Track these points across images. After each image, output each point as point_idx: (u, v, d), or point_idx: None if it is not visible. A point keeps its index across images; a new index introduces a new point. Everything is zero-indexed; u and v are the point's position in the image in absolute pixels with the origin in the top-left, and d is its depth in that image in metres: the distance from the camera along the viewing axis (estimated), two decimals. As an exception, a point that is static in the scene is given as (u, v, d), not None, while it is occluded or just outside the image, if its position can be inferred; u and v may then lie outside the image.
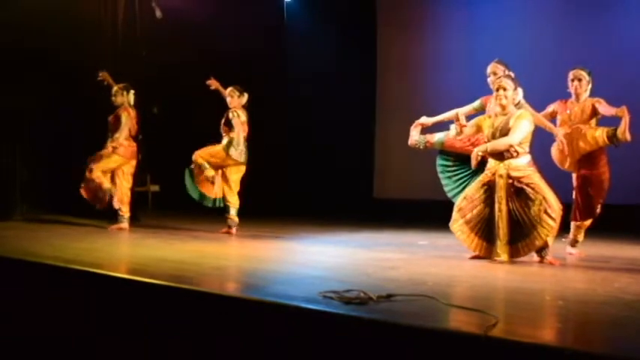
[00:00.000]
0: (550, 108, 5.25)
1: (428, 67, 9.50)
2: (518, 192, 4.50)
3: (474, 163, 4.57)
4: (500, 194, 4.53)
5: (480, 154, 4.57)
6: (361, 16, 9.69)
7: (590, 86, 5.15)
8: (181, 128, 8.69)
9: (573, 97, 5.18)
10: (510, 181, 4.51)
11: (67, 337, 3.71)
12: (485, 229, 4.59)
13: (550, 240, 4.50)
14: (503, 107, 4.60)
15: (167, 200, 9.20)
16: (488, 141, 4.64)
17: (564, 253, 5.10)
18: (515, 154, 4.53)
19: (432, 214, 8.58)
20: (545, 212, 4.39)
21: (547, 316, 2.86)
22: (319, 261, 4.70)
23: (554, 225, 4.40)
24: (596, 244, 5.64)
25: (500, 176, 4.54)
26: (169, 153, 8.72)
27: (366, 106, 9.39)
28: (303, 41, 9.51)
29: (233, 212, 6.38)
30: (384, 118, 9.37)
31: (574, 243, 5.22)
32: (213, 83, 6.56)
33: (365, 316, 2.64)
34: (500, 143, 4.54)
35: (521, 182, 4.49)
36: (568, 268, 4.50)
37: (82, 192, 6.65)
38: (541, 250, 4.52)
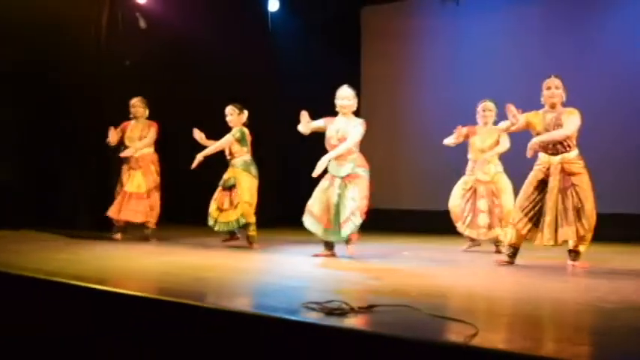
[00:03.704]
0: None
1: (412, 80, 9.57)
2: (566, 188, 4.76)
3: (530, 153, 4.86)
4: (553, 184, 4.78)
5: (533, 145, 4.85)
6: (345, 28, 9.75)
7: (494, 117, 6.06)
8: (172, 139, 8.65)
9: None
10: (562, 174, 4.79)
11: (47, 349, 3.67)
12: (538, 217, 4.84)
13: (582, 248, 4.84)
14: (554, 105, 4.88)
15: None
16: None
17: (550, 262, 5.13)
18: (567, 148, 4.81)
19: (416, 224, 8.64)
20: (579, 220, 4.69)
21: (527, 325, 2.87)
22: (302, 272, 4.68)
23: (582, 233, 4.71)
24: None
25: (555, 168, 4.80)
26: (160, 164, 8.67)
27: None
28: (287, 53, 9.54)
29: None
30: (367, 129, 9.39)
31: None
32: (196, 133, 6.53)
33: (346, 327, 2.64)
34: (557, 134, 4.82)
35: (571, 180, 4.77)
36: (548, 277, 4.53)
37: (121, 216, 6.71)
38: (575, 255, 4.86)
